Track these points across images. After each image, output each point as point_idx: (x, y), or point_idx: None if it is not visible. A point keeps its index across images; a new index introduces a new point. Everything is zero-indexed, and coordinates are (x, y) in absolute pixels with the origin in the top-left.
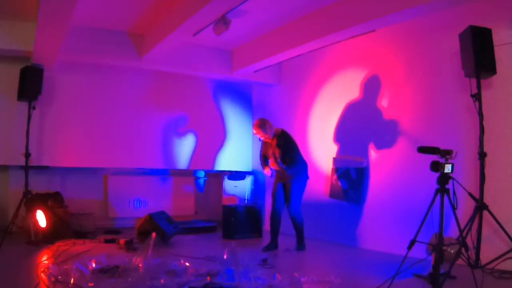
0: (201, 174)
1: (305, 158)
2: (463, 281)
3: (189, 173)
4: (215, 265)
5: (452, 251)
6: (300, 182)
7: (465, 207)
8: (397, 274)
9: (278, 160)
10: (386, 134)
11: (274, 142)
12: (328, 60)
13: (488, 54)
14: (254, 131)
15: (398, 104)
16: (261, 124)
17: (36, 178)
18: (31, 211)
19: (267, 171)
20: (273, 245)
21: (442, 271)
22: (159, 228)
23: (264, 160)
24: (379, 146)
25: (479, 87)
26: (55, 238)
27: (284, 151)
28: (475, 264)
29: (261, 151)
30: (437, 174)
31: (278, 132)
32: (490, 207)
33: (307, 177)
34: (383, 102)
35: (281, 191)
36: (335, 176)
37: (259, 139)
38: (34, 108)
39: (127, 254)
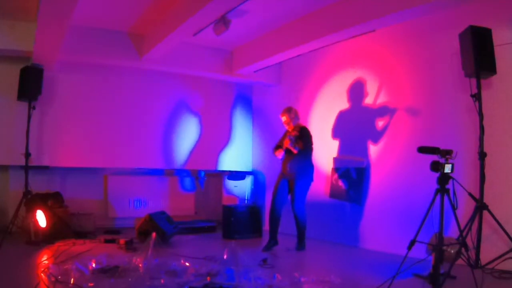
0: (201, 174)
1: None
2: (463, 281)
3: (189, 173)
4: (215, 265)
5: (452, 251)
6: (304, 181)
7: (465, 207)
8: (397, 274)
9: (293, 138)
10: (386, 134)
11: (295, 130)
12: (328, 60)
13: (488, 54)
14: (281, 114)
15: (398, 104)
16: (289, 109)
17: (36, 178)
18: (31, 211)
19: (278, 153)
20: (272, 243)
21: (442, 271)
22: (159, 228)
23: (276, 148)
24: (379, 146)
25: (479, 87)
26: (55, 238)
27: (302, 136)
28: (475, 264)
29: (279, 139)
30: (437, 174)
31: (301, 124)
32: (490, 207)
33: (311, 179)
34: (383, 102)
35: (283, 190)
36: (335, 176)
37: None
38: (34, 108)
39: (127, 254)
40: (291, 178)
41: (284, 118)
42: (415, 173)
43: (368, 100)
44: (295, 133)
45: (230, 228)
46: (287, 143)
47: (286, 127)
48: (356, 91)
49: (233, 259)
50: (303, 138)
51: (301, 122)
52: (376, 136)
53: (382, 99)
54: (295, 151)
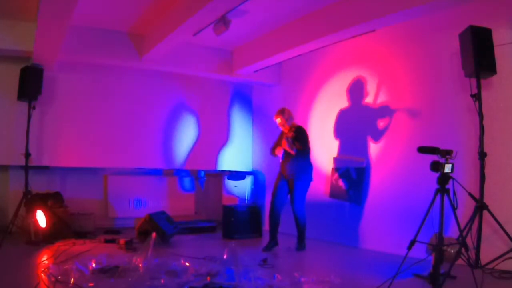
0: (201, 174)
1: None
2: (463, 281)
3: (189, 173)
4: (215, 265)
5: (452, 251)
6: (303, 181)
7: (465, 207)
8: (397, 274)
9: (290, 139)
10: (386, 134)
11: (291, 130)
12: (328, 60)
13: (488, 54)
14: (275, 117)
15: (398, 104)
16: (282, 111)
17: (36, 178)
18: (31, 211)
19: (278, 151)
20: (273, 243)
21: (442, 271)
22: (159, 228)
23: (274, 148)
24: (379, 146)
25: (479, 87)
26: (55, 238)
27: (298, 136)
28: (475, 264)
29: (275, 141)
30: (437, 174)
31: (296, 124)
32: (490, 207)
33: (311, 179)
34: (383, 102)
35: (282, 190)
36: (335, 176)
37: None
38: (34, 108)
39: (127, 254)
40: (290, 179)
41: (278, 120)
42: (415, 173)
43: (368, 100)
44: (291, 134)
45: (230, 228)
46: (284, 145)
47: (282, 129)
48: (356, 91)
49: (233, 259)
50: (300, 138)
51: (297, 121)
52: (376, 136)
53: (382, 99)
54: (293, 152)
